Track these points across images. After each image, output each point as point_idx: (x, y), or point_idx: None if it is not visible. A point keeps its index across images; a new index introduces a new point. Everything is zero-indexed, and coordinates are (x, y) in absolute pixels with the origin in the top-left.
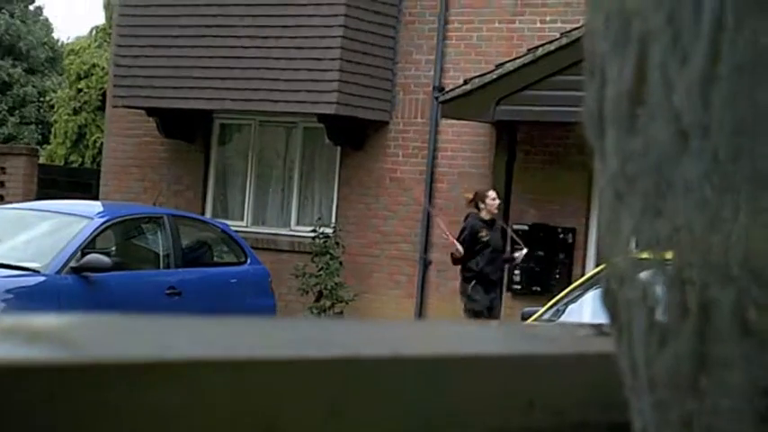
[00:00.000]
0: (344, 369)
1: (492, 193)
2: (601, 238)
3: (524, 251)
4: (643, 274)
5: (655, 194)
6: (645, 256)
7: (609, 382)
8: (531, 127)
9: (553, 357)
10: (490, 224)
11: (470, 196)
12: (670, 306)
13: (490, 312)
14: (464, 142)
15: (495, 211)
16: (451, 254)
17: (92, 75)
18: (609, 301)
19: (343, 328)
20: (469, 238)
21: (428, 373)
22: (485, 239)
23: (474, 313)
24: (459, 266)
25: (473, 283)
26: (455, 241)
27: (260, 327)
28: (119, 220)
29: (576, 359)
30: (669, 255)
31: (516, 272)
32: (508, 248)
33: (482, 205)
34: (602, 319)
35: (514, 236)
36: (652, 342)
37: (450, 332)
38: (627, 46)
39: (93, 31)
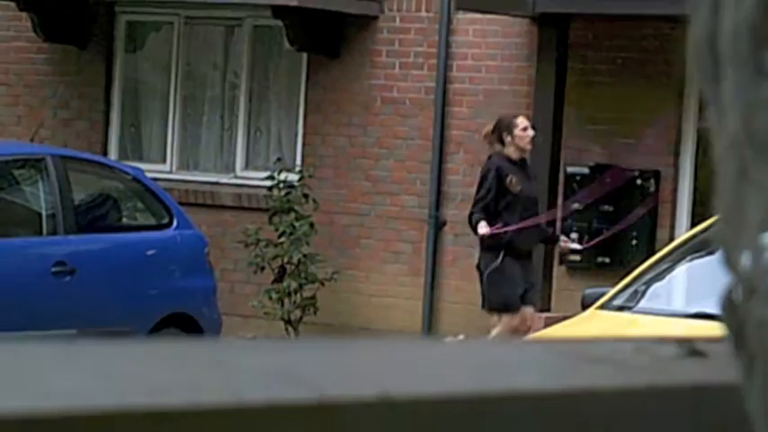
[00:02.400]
0: (312, 419)
1: (522, 120)
2: (718, 227)
3: (575, 246)
4: None
5: None
6: None
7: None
8: (591, 23)
9: (624, 392)
10: (522, 166)
11: (490, 128)
12: None
13: (524, 299)
14: (491, 46)
15: (528, 147)
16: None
17: None
18: (732, 321)
19: (307, 356)
20: (494, 187)
21: (430, 422)
22: (515, 190)
23: (504, 303)
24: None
25: (501, 255)
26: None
27: (191, 354)
28: None
29: (656, 394)
30: None
31: (573, 236)
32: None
33: (508, 138)
34: (701, 307)
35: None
36: None
37: (468, 356)
38: None
39: None
